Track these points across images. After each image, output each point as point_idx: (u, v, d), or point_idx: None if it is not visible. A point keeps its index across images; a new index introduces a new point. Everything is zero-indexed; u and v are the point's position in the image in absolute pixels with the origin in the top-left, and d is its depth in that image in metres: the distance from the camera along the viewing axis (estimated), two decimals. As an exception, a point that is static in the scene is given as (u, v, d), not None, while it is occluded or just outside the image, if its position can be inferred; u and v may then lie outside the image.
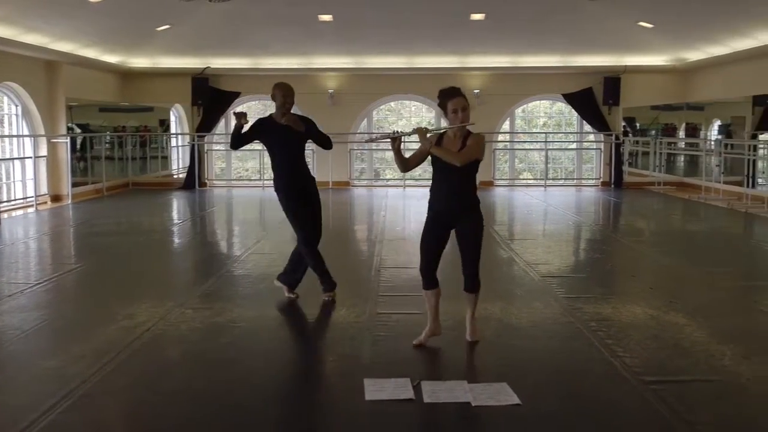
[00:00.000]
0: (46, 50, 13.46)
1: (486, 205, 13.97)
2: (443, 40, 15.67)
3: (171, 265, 8.60)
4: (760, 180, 14.94)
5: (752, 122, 15.67)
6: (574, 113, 18.74)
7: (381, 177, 20.52)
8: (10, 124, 14.13)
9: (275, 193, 6.27)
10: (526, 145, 20.77)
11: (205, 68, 17.18)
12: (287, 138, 6.06)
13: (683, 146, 19.03)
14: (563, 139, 21.24)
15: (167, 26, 14.21)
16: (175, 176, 19.21)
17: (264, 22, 14.13)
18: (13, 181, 14.05)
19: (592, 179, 18.87)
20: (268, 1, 13.08)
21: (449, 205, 4.94)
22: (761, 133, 15.70)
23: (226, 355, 4.88)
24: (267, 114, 6.43)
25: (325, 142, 6.23)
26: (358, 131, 18.13)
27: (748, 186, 14.04)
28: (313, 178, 6.35)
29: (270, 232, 10.39)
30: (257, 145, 20.86)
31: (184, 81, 17.38)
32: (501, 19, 14.16)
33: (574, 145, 20.44)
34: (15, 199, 13.77)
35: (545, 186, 17.67)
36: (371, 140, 6.65)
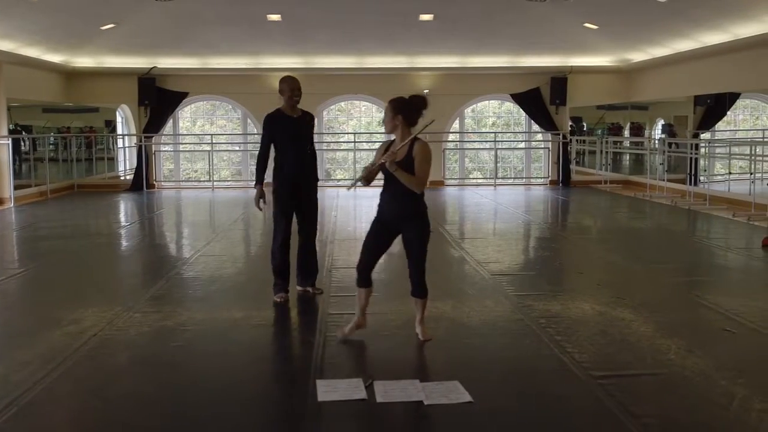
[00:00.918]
0: (-14, 49, 13.10)
1: (436, 205, 14.10)
2: (392, 41, 15.71)
3: (119, 269, 8.44)
4: (701, 178, 15.35)
5: (693, 121, 16.10)
6: (523, 113, 18.97)
7: (332, 177, 20.48)
8: (-51, 125, 13.71)
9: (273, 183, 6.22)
10: (476, 145, 20.95)
11: (152, 68, 16.92)
12: (297, 131, 6.14)
13: (628, 145, 19.45)
14: (512, 139, 21.49)
15: (112, 25, 13.94)
16: (122, 178, 18.86)
17: (212, 21, 13.96)
18: (-48, 184, 13.64)
19: (541, 178, 19.13)
20: (215, 0, 12.93)
21: (394, 211, 4.99)
22: (702, 132, 16.14)
23: (176, 359, 4.81)
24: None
25: (313, 153, 6.31)
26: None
27: (690, 184, 14.40)
28: (316, 179, 6.36)
29: (220, 234, 10.29)
30: (206, 146, 20.59)
31: (131, 81, 17.08)
32: (449, 20, 14.25)
33: (522, 145, 20.70)
34: (-46, 203, 13.37)
35: (495, 185, 17.85)
36: (355, 186, 5.76)
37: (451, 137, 19.14)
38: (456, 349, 5.02)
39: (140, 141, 17.31)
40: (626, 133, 19.31)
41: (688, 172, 14.71)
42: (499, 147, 19.50)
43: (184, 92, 17.56)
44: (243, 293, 6.74)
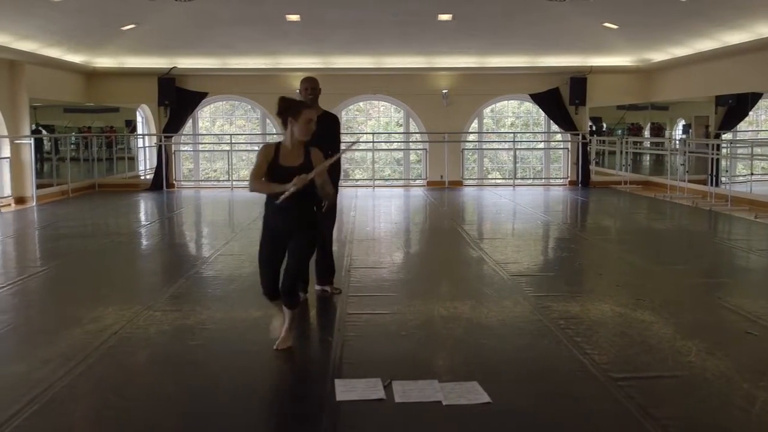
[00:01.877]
0: (8, 50, 13.23)
1: (455, 205, 14.09)
2: (411, 41, 15.70)
3: (139, 268, 8.50)
4: (723, 178, 15.21)
5: (715, 122, 15.95)
6: (542, 113, 18.90)
7: (350, 177, 20.50)
8: (-28, 125, 13.87)
9: None
10: (495, 145, 20.89)
11: (172, 68, 17.02)
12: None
13: (648, 145, 19.31)
14: (531, 139, 21.40)
15: (132, 25, 14.04)
16: (142, 177, 19.00)
17: (231, 21, 14.03)
18: (-24, 184, 13.79)
19: (560, 178, 19.04)
20: (234, 1, 12.99)
21: (285, 221, 4.69)
22: (724, 133, 15.99)
23: (195, 358, 4.84)
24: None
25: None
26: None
27: (711, 184, 14.27)
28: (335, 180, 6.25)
29: (239, 233, 10.33)
30: (225, 146, 20.70)
31: (151, 81, 17.21)
32: (468, 20, 14.22)
33: (541, 145, 20.62)
34: (-23, 202, 13.53)
35: (514, 185, 17.78)
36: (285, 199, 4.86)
37: (469, 137, 19.10)
38: (474, 349, 5.00)
39: (160, 141, 17.42)
40: (646, 133, 19.17)
41: (709, 172, 14.58)
42: (518, 147, 19.44)
43: (203, 92, 17.66)
44: (261, 293, 6.74)
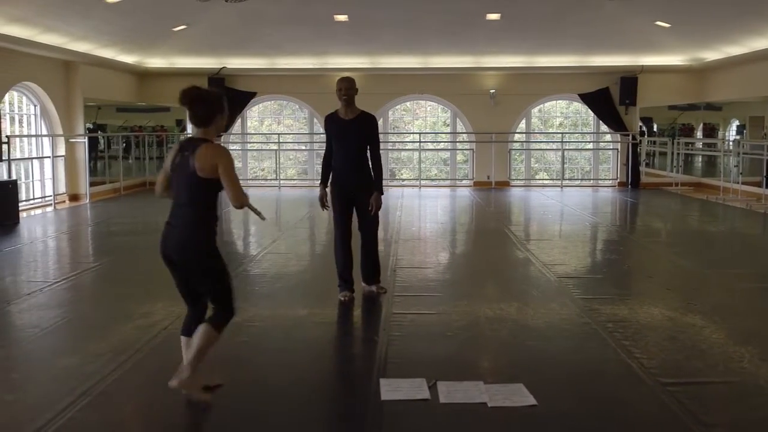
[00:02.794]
0: (64, 50, 13.57)
1: (502, 206, 14.00)
2: (458, 40, 15.65)
3: (187, 265, 8.62)
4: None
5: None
6: (591, 113, 18.67)
7: (396, 177, 20.50)
8: (29, 123, 14.25)
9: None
10: (542, 145, 20.69)
11: (221, 68, 17.25)
12: (345, 133, 6.10)
13: (701, 146, 18.92)
14: (579, 140, 21.14)
15: (183, 26, 14.28)
16: (191, 176, 19.27)
17: (279, 21, 14.16)
18: (32, 181, 14.16)
19: (609, 180, 18.78)
20: (283, 1, 13.11)
21: (167, 246, 4.00)
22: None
23: (242, 355, 4.89)
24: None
25: (376, 156, 6.19)
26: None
27: (766, 187, 13.92)
28: (370, 182, 6.17)
29: (286, 232, 10.42)
30: (273, 145, 20.86)
31: (201, 81, 17.21)
32: (516, 19, 14.13)
33: (590, 145, 20.35)
34: (33, 199, 13.89)
35: (561, 186, 17.60)
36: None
37: (516, 137, 18.96)
38: (520, 351, 4.96)
39: (209, 140, 17.64)
40: (698, 134, 18.79)
41: (764, 174, 14.23)
42: (567, 148, 19.21)
43: (252, 92, 17.86)
44: (308, 291, 6.81)
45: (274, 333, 5.44)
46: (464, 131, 18.66)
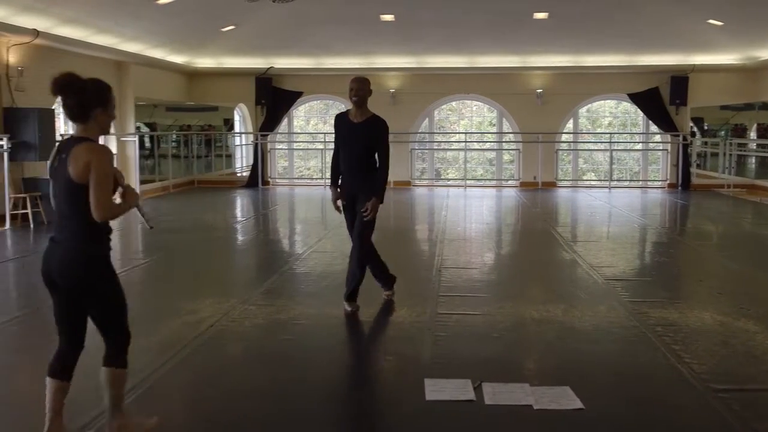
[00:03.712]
0: (116, 51, 13.83)
1: (548, 206, 13.86)
2: (505, 40, 15.54)
3: (234, 262, 8.74)
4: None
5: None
6: (640, 113, 18.37)
7: (442, 177, 20.45)
8: (82, 123, 14.56)
9: None
10: (590, 146, 20.43)
11: (269, 68, 17.41)
12: (350, 136, 5.84)
13: (755, 147, 18.46)
14: (628, 140, 20.83)
15: (232, 27, 14.45)
16: (238, 174, 19.53)
17: (326, 21, 14.23)
18: (84, 179, 14.46)
19: (658, 181, 18.45)
20: (330, 1, 13.17)
21: (50, 266, 3.32)
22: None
23: (287, 353, 4.93)
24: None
25: (382, 161, 5.82)
26: (419, 131, 18.15)
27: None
28: (369, 188, 5.73)
29: (331, 231, 10.46)
30: (318, 144, 20.96)
31: (248, 81, 17.66)
32: (564, 18, 13.97)
33: (639, 146, 20.03)
34: (85, 196, 14.18)
35: (609, 187, 17.35)
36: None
37: (564, 138, 18.76)
38: (566, 353, 4.90)
39: (256, 139, 17.85)
40: (752, 134, 18.33)
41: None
42: (615, 148, 18.93)
43: (298, 92, 17.99)
44: (352, 290, 6.82)
45: (319, 331, 5.46)
46: (510, 131, 18.52)
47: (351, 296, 5.88)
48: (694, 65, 16.71)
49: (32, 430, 3.51)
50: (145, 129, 16.53)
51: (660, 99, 17.26)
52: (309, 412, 3.92)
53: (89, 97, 3.27)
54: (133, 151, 14.88)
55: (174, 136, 17.57)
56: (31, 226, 10.65)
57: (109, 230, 3.37)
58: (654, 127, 18.03)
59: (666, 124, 17.32)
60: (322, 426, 3.80)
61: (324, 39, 15.50)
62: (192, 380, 4.43)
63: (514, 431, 3.73)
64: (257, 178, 17.51)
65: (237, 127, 19.75)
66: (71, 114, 3.29)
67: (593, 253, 8.46)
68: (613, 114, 20.68)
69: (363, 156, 5.84)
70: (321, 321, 5.70)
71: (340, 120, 5.97)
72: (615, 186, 17.72)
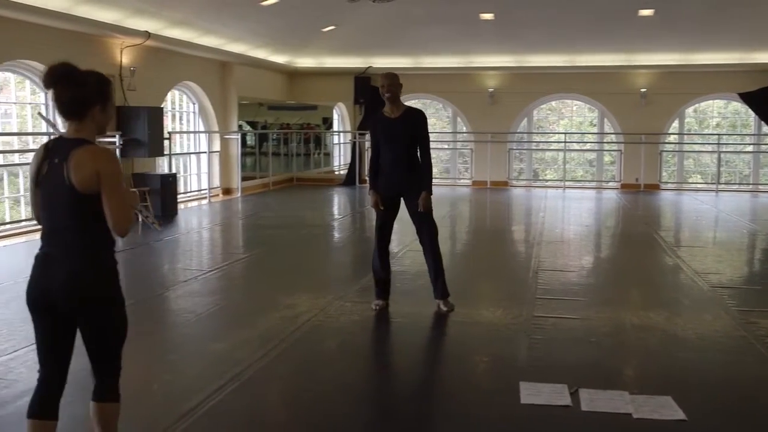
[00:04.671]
0: (221, 51, 14.27)
1: (651, 209, 13.43)
2: (608, 38, 15.17)
3: (331, 259, 8.88)
4: None
5: None
6: (752, 113, 17.54)
7: (540, 177, 20.13)
8: (188, 120, 15.10)
9: None
10: (697, 147, 19.67)
11: (367, 68, 17.57)
12: (391, 132, 5.73)
13: None
14: (738, 142, 19.94)
15: (332, 27, 14.66)
16: (336, 173, 19.82)
17: (425, 21, 14.25)
18: (189, 174, 15.01)
19: (770, 184, 17.59)
20: (429, 1, 13.19)
21: (50, 285, 2.82)
22: None
23: (382, 350, 4.97)
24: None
25: (424, 152, 5.75)
26: (518, 131, 17.93)
27: None
28: (419, 185, 5.70)
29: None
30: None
31: (347, 80, 17.89)
32: (671, 15, 13.51)
33: (750, 148, 19.13)
34: (190, 191, 14.71)
35: (717, 191, 16.65)
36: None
37: (669, 138, 18.13)
38: (669, 362, 4.74)
39: (354, 138, 18.05)
40: None
41: None
42: (723, 150, 18.15)
43: (396, 91, 18.05)
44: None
45: (414, 330, 5.48)
46: (612, 132, 18.05)
47: (443, 294, 5.83)
48: (812, 63, 15.84)
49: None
50: (247, 128, 16.99)
51: (774, 99, 16.44)
52: (401, 410, 3.94)
53: (89, 92, 2.83)
54: (236, 149, 15.31)
55: (274, 135, 17.99)
56: (140, 219, 11.11)
57: (114, 240, 2.92)
58: (766, 128, 17.20)
59: (780, 124, 16.48)
60: (413, 424, 3.81)
61: (422, 38, 15.52)
62: (290, 373, 4.52)
63: (612, 439, 3.64)
64: (354, 177, 17.70)
65: (335, 126, 20.04)
66: (65, 110, 2.83)
67: (698, 259, 8.14)
68: (721, 114, 19.84)
69: (406, 150, 5.76)
70: (415, 319, 5.71)
71: (377, 120, 5.90)
72: (723, 189, 16.99)
